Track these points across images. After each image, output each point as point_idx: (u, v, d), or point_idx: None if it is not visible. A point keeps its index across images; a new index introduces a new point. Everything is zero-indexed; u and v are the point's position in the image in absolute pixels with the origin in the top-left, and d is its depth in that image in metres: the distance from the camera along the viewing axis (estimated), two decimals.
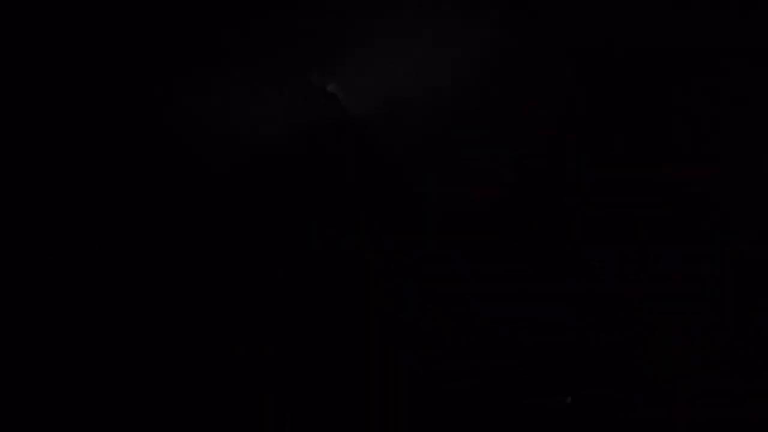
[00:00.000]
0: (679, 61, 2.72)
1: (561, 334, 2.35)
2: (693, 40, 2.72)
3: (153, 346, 2.36)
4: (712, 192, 2.54)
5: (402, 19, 2.70)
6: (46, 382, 2.31)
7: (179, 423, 2.25)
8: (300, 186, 2.63)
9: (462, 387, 2.28)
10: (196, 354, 2.36)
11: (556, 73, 2.74)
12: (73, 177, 2.59)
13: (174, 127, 2.71)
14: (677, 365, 2.26)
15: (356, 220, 2.56)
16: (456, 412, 2.26)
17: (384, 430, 2.22)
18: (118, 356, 2.34)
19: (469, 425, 2.24)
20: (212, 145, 2.66)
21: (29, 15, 2.65)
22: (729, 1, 2.69)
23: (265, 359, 2.34)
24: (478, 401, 2.27)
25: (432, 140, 2.69)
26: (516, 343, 2.34)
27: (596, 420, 2.23)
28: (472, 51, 2.76)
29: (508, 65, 2.75)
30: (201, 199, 2.61)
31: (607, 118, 2.68)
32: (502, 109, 2.71)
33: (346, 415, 2.25)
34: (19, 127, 2.65)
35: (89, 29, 2.65)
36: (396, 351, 2.33)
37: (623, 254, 2.46)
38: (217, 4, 2.58)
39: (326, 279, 2.46)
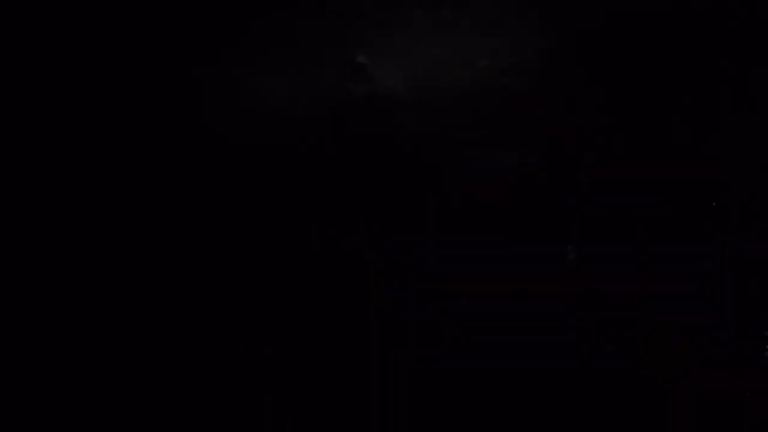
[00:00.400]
0: (679, 61, 2.71)
1: (561, 334, 2.35)
2: (692, 41, 2.72)
3: (153, 346, 2.36)
4: (712, 192, 2.54)
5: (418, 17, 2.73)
6: (46, 381, 2.31)
7: (179, 423, 2.25)
8: (302, 185, 2.63)
9: (462, 387, 2.28)
10: (196, 354, 2.36)
11: (557, 74, 2.74)
12: (73, 177, 2.59)
13: (175, 123, 2.70)
14: (677, 365, 2.26)
15: (356, 220, 2.56)
16: (456, 411, 2.26)
17: (384, 430, 2.22)
18: (118, 356, 2.34)
19: (469, 425, 2.24)
20: (222, 139, 2.66)
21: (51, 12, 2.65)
22: (729, 1, 2.69)
23: (265, 359, 2.34)
24: (478, 401, 2.27)
25: (432, 141, 2.69)
26: (516, 343, 2.34)
27: (596, 419, 2.23)
28: (472, 52, 2.75)
29: (508, 67, 2.74)
30: (201, 198, 2.61)
31: (607, 118, 2.68)
32: (502, 110, 2.70)
33: (346, 415, 2.25)
34: (22, 126, 2.64)
35: (120, 12, 2.67)
36: (396, 351, 2.33)
37: (623, 254, 2.46)
38: None
39: (326, 279, 2.46)
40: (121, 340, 2.37)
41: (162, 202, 2.57)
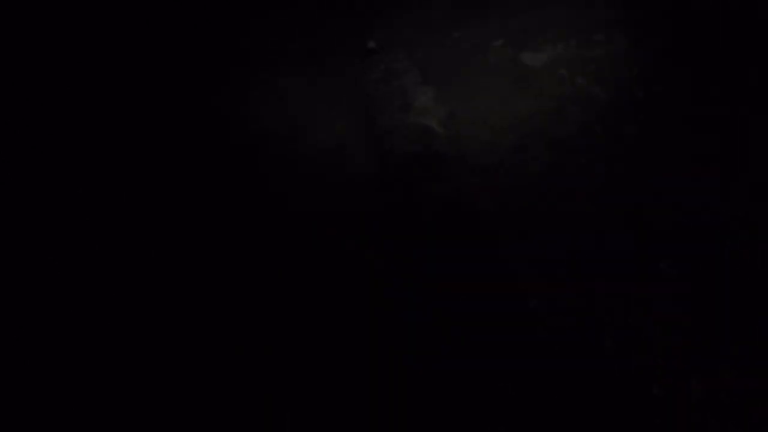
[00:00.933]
0: (678, 62, 2.72)
1: (561, 334, 2.35)
2: (689, 41, 2.72)
3: (153, 346, 2.37)
4: (712, 192, 2.54)
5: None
6: (45, 381, 2.31)
7: (179, 423, 2.25)
8: (302, 183, 2.63)
9: (462, 387, 2.29)
10: (196, 353, 2.36)
11: (556, 73, 2.74)
12: (73, 177, 2.60)
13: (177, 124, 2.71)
14: (676, 365, 2.27)
15: (356, 220, 2.57)
16: (456, 412, 2.26)
17: (384, 430, 2.22)
18: (117, 356, 2.35)
19: (469, 425, 2.25)
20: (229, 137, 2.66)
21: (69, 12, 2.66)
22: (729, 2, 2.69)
23: (264, 359, 2.35)
24: (478, 401, 2.27)
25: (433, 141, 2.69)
26: (515, 342, 2.34)
27: (597, 419, 2.23)
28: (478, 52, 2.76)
29: (511, 65, 2.75)
30: (198, 198, 2.61)
31: (608, 118, 2.68)
32: (501, 109, 2.71)
33: (346, 415, 2.25)
34: (23, 127, 2.65)
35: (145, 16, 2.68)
36: (396, 351, 2.34)
37: (623, 254, 2.46)
38: None
39: (326, 279, 2.46)
40: (121, 339, 2.37)
41: (161, 202, 2.58)
